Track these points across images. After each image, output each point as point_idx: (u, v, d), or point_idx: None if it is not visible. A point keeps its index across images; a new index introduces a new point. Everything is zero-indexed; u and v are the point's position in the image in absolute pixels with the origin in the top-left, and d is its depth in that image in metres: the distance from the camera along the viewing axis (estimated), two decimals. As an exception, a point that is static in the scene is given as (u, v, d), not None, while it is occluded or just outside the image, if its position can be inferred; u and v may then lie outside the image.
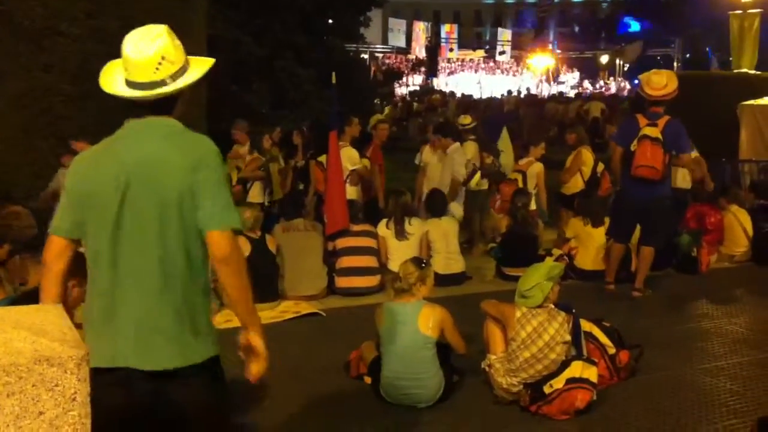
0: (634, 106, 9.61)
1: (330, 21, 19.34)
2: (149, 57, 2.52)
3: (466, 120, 9.60)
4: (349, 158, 8.25)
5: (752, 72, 16.63)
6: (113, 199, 2.50)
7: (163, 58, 2.52)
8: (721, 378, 5.24)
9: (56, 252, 2.62)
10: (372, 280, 7.18)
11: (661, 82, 6.87)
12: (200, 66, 2.65)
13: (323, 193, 7.83)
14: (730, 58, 18.31)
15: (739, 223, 8.54)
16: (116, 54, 2.62)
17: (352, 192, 8.22)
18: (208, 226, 2.51)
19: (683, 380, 5.22)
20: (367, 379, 5.02)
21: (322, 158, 8.19)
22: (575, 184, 9.17)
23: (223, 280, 2.58)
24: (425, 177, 8.92)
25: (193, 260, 2.55)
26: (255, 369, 2.67)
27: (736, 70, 16.89)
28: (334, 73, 7.48)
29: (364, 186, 8.80)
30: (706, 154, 11.79)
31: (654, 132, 6.73)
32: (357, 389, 5.02)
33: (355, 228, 7.43)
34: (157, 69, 2.52)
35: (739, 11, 17.41)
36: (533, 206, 8.58)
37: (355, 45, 23.19)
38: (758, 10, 17.37)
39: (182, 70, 2.58)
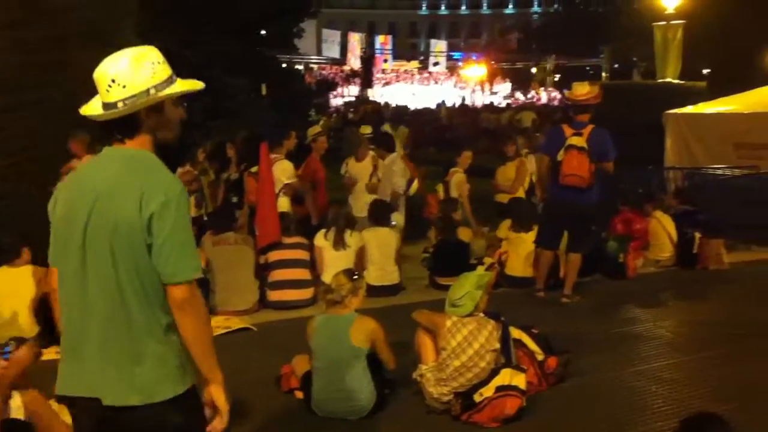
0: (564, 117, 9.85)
1: (263, 32, 19.26)
2: (101, 77, 2.51)
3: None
4: (284, 171, 8.17)
5: (676, 81, 17.19)
6: (79, 226, 2.49)
7: (113, 81, 2.48)
8: (648, 381, 5.36)
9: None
10: (305, 293, 7.14)
11: (583, 90, 7.06)
12: (170, 91, 2.57)
13: (254, 204, 7.75)
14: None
15: (663, 228, 8.78)
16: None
17: (285, 204, 8.15)
18: (163, 278, 2.47)
19: (611, 384, 5.33)
20: (299, 394, 4.98)
21: (256, 169, 8.11)
22: (519, 194, 9.31)
23: (180, 330, 2.52)
24: (352, 188, 8.86)
25: (149, 295, 2.49)
26: (217, 426, 2.62)
27: (660, 80, 17.44)
28: (264, 85, 7.44)
29: (298, 199, 8.74)
30: (635, 162, 12.17)
31: (580, 141, 6.89)
32: (288, 404, 4.97)
33: (288, 240, 7.38)
34: (107, 90, 2.49)
35: (663, 22, 18.01)
36: (459, 216, 8.72)
37: (289, 56, 23.12)
38: (681, 21, 17.97)
39: (143, 95, 2.50)
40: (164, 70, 2.56)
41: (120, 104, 2.48)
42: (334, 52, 55.71)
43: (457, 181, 9.38)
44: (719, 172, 12.53)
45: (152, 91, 2.50)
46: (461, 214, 8.80)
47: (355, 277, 4.95)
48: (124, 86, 2.48)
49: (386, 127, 9.73)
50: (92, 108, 2.57)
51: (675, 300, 7.74)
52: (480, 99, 41.14)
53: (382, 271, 7.59)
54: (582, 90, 7.06)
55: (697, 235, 8.78)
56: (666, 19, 17.82)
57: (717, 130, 13.45)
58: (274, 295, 7.15)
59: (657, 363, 5.73)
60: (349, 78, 44.33)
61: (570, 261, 7.35)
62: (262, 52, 18.24)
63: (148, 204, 2.43)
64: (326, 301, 4.89)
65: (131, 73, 2.49)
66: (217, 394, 2.60)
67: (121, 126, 2.54)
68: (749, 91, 15.89)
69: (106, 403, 2.45)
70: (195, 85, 2.65)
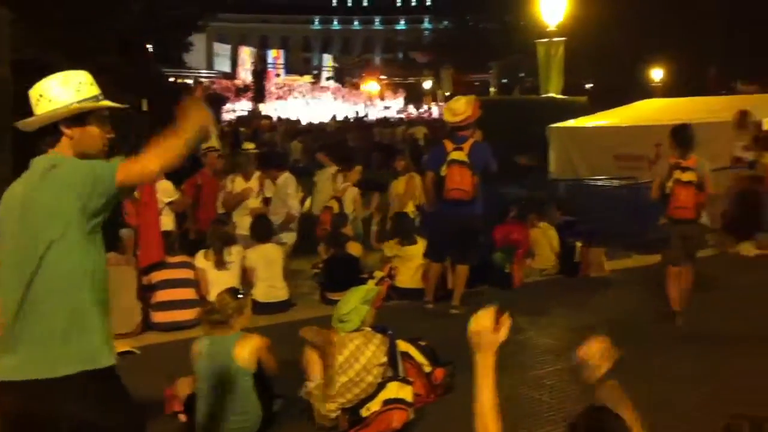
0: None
1: (149, 46, 18.82)
2: (32, 93, 2.86)
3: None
4: (164, 191, 7.96)
5: (559, 96, 17.80)
6: (10, 229, 2.80)
7: (41, 95, 2.83)
8: (532, 388, 5.50)
9: None
10: (191, 313, 6.93)
11: (459, 109, 7.24)
12: (89, 105, 2.87)
13: (136, 226, 7.49)
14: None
15: (546, 238, 9.06)
16: None
17: (168, 223, 7.94)
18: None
19: (498, 393, 5.41)
20: (182, 417, 4.84)
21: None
22: (408, 208, 9.40)
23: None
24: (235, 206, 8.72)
25: (66, 277, 2.72)
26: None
27: (544, 95, 18.02)
28: (145, 100, 7.25)
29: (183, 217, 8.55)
30: (521, 174, 12.56)
31: (461, 156, 7.06)
32: (172, 427, 4.82)
33: (172, 260, 7.20)
34: (36, 104, 2.84)
35: (545, 39, 18.59)
36: (350, 231, 8.76)
37: (176, 70, 22.67)
38: (562, 38, 18.62)
39: (64, 108, 2.81)
40: (90, 90, 2.89)
41: (44, 115, 2.82)
42: (226, 66, 55.05)
43: (352, 196, 9.39)
44: (600, 183, 13.07)
45: (74, 105, 2.82)
46: (351, 229, 8.83)
47: (240, 295, 4.86)
48: (50, 100, 2.82)
49: (247, 146, 9.61)
50: (24, 121, 2.87)
51: (558, 308, 7.98)
52: (374, 113, 41.50)
53: (270, 287, 7.51)
54: (459, 110, 7.22)
55: (579, 244, 9.11)
56: (548, 36, 18.42)
57: (597, 142, 14.06)
58: (158, 317, 6.95)
59: (541, 370, 5.89)
60: (240, 92, 43.81)
61: (457, 272, 7.48)
62: (146, 66, 17.80)
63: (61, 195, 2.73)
64: (209, 321, 4.77)
65: (58, 89, 2.83)
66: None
67: (47, 136, 2.85)
68: (627, 105, 16.73)
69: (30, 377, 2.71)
70: (115, 104, 2.97)
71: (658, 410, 4.99)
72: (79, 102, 2.83)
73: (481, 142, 7.23)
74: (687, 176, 6.79)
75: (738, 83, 21.48)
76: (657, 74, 42.81)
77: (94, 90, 2.89)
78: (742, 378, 5.64)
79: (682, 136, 6.97)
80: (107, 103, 2.93)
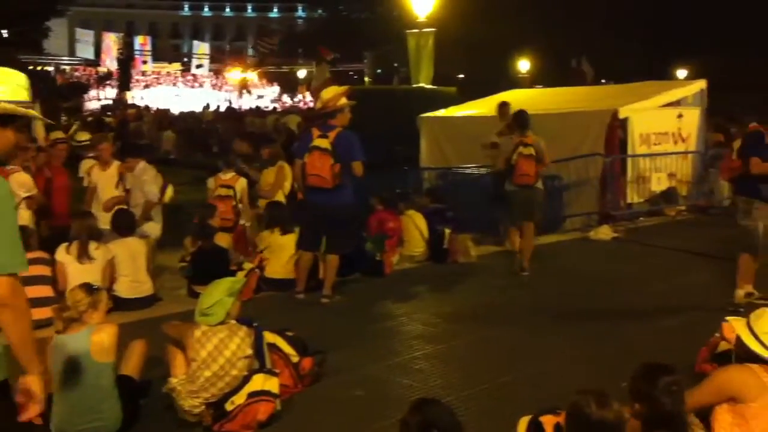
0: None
1: (4, 32, 17.74)
2: None
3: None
4: (22, 184, 7.52)
5: (429, 86, 18.12)
6: None
7: None
8: (400, 373, 5.57)
9: None
10: (46, 312, 6.56)
11: (324, 96, 7.27)
12: None
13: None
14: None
15: (415, 226, 9.21)
16: None
17: (26, 218, 7.51)
18: None
19: (366, 380, 5.46)
20: (38, 420, 4.59)
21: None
22: (278, 198, 9.26)
23: (1, 325, 2.67)
24: (95, 196, 8.39)
25: None
26: (32, 411, 2.76)
27: (415, 85, 18.30)
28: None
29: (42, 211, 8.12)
30: (393, 163, 12.72)
31: (324, 143, 7.06)
32: (28, 429, 4.57)
33: (28, 256, 6.79)
34: None
35: (416, 30, 18.88)
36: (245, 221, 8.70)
37: (35, 57, 21.50)
38: (432, 29, 18.95)
39: None
40: (24, 95, 2.85)
41: None
42: (89, 53, 52.66)
43: (243, 185, 9.15)
44: (468, 171, 13.39)
45: (4, 104, 2.75)
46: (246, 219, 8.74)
47: (94, 289, 4.67)
48: None
49: (81, 136, 9.26)
50: None
51: (427, 293, 8.14)
52: (247, 102, 40.84)
53: (134, 282, 7.25)
54: (327, 95, 7.24)
55: (447, 230, 9.31)
56: (418, 27, 18.71)
57: (466, 131, 14.34)
58: (12, 316, 6.56)
59: (409, 355, 5.98)
60: (103, 80, 42.02)
61: (328, 262, 7.47)
62: (2, 52, 16.81)
63: None
64: (63, 319, 4.55)
65: None
66: (35, 383, 2.76)
67: None
68: (495, 95, 17.17)
69: None
70: (21, 110, 2.84)
71: (534, 386, 5.19)
72: (9, 102, 2.77)
73: (348, 132, 7.24)
74: (527, 150, 8.55)
75: (582, 62, 22.68)
76: (524, 66, 44.34)
77: (26, 96, 2.86)
78: (604, 355, 5.92)
79: (521, 119, 8.90)
80: (35, 113, 2.94)
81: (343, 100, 7.32)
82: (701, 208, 13.50)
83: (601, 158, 12.08)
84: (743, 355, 3.67)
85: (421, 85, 17.97)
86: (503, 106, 10.80)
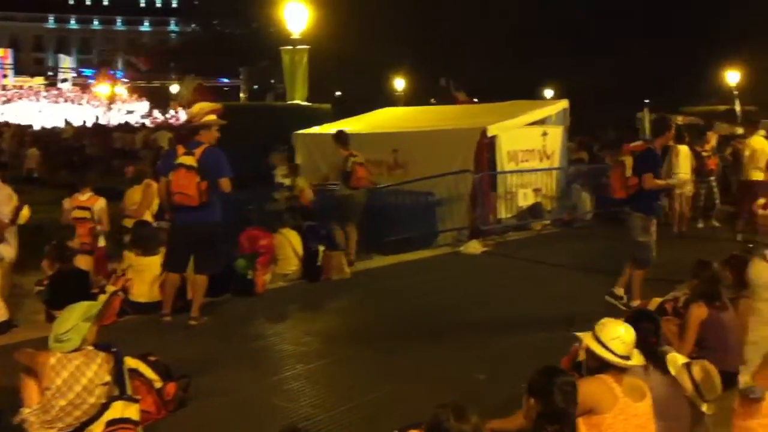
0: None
1: None
2: None
3: None
4: None
5: (304, 103, 18.06)
6: None
7: None
8: (269, 394, 5.47)
9: None
10: None
11: (192, 112, 7.12)
12: None
13: None
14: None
15: (289, 243, 9.11)
16: None
17: None
18: None
19: (234, 403, 5.33)
20: None
21: None
22: (145, 218, 8.94)
23: None
24: None
25: None
26: None
27: (290, 101, 18.19)
28: None
29: None
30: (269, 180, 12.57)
31: (189, 160, 6.89)
32: None
33: None
34: None
35: (290, 47, 18.78)
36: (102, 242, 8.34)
37: None
38: (306, 46, 18.92)
39: None
40: None
41: None
42: (-59, 66, 49.61)
43: (100, 207, 8.77)
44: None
45: None
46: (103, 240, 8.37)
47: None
48: None
49: None
50: None
51: (300, 312, 8.07)
52: (115, 118, 39.41)
53: (-15, 308, 6.81)
54: (194, 110, 7.09)
55: (321, 248, 9.27)
56: (293, 44, 18.63)
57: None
58: None
59: (278, 375, 5.89)
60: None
61: (196, 282, 7.27)
62: None
63: None
64: None
65: None
66: None
67: None
68: (370, 113, 17.35)
69: None
70: None
71: (403, 403, 5.20)
72: None
73: (215, 148, 7.09)
74: (359, 159, 10.39)
75: (451, 86, 23.55)
76: (400, 84, 45.07)
77: None
78: (475, 368, 6.02)
79: (343, 137, 10.75)
80: None
81: (211, 117, 7.17)
82: (565, 222, 14.08)
83: (471, 175, 12.39)
84: (594, 365, 3.79)
85: (296, 101, 17.87)
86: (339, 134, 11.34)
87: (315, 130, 15.36)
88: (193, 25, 58.89)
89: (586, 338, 3.84)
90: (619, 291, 7.83)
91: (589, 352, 3.81)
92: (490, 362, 6.06)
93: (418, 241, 11.93)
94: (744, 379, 2.89)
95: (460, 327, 7.27)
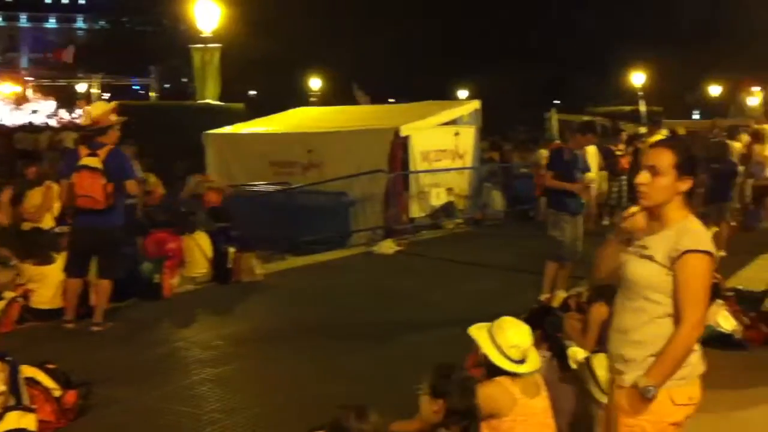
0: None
1: None
2: None
3: None
4: None
5: (215, 102, 17.81)
6: None
7: None
8: (173, 401, 5.34)
9: None
10: None
11: (92, 113, 6.91)
12: None
13: None
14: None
15: (198, 245, 8.93)
16: None
17: None
18: None
19: (136, 410, 5.19)
20: None
21: None
22: (46, 221, 8.62)
23: None
24: None
25: None
26: None
27: (200, 101, 17.91)
28: None
29: None
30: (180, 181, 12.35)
31: (94, 162, 6.69)
32: None
33: None
34: None
35: (201, 45, 18.50)
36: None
37: None
38: (218, 45, 18.66)
39: None
40: None
41: None
42: None
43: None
44: (256, 188, 13.28)
45: None
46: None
47: None
48: None
49: None
50: None
51: (209, 315, 7.91)
52: (20, 118, 37.77)
53: None
54: (97, 111, 6.87)
55: (232, 249, 9.13)
56: (204, 42, 18.35)
57: (254, 149, 14.27)
58: None
59: (185, 381, 5.75)
60: None
61: (99, 287, 7.05)
62: None
63: None
64: None
65: None
66: None
67: None
68: (284, 112, 17.25)
69: None
70: None
71: (315, 407, 5.16)
72: None
73: (119, 149, 6.90)
74: None
75: (355, 89, 23.99)
76: (315, 84, 44.94)
77: None
78: (387, 368, 6.02)
79: None
80: None
81: (114, 117, 6.97)
82: (477, 221, 14.31)
83: (385, 175, 12.46)
84: (491, 368, 3.74)
85: (207, 101, 17.60)
86: None
87: (227, 129, 15.17)
88: (101, 22, 57.28)
89: (483, 341, 3.76)
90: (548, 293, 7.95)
91: (486, 358, 3.76)
92: (400, 361, 6.08)
93: (332, 241, 11.92)
94: (630, 377, 2.96)
95: (372, 327, 7.28)
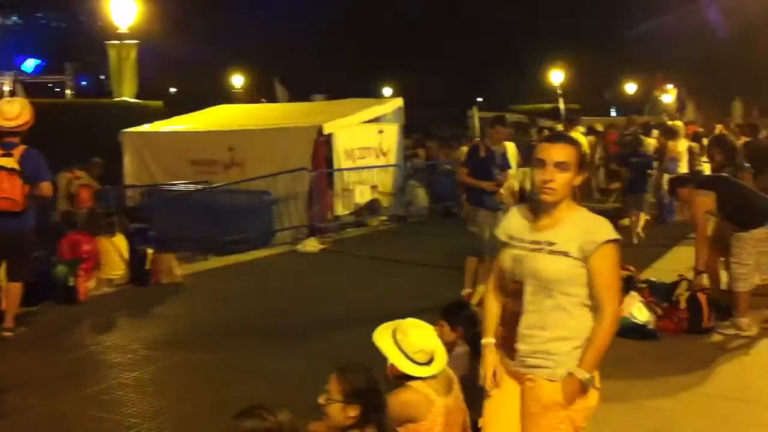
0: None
1: None
2: None
3: None
4: None
5: (133, 100, 17.35)
6: None
7: None
8: (86, 406, 5.16)
9: None
10: None
11: (13, 112, 6.63)
12: None
13: None
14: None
15: (114, 247, 8.69)
16: None
17: None
18: None
19: (52, 415, 5.01)
20: None
21: None
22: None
23: None
24: None
25: None
26: None
27: (117, 99, 17.42)
28: None
29: None
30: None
31: (9, 162, 6.45)
32: None
33: None
34: None
35: (116, 41, 17.99)
36: None
37: None
38: (134, 41, 18.19)
39: None
40: None
41: None
42: None
43: None
44: (176, 188, 13.02)
45: None
46: None
47: None
48: None
49: None
50: None
51: (126, 318, 7.69)
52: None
53: None
54: (12, 113, 6.59)
55: (150, 251, 8.92)
56: (120, 39, 17.86)
57: (173, 147, 13.96)
58: None
59: (101, 386, 5.57)
60: None
61: (9, 291, 6.78)
62: None
63: None
64: None
65: None
66: None
67: None
68: (205, 110, 16.93)
69: None
70: None
71: (233, 409, 5.05)
72: None
73: (33, 150, 6.64)
74: None
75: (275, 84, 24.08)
76: (238, 81, 44.36)
77: None
78: (308, 368, 5.96)
79: None
80: None
81: (29, 115, 6.71)
82: (401, 218, 14.38)
83: (308, 173, 12.38)
84: (402, 374, 3.61)
85: (124, 98, 17.14)
86: None
87: (145, 128, 14.81)
88: (13, 18, 55.25)
89: (391, 355, 3.61)
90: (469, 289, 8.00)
91: (392, 365, 3.62)
92: (323, 361, 6.01)
93: (255, 240, 11.77)
94: (561, 371, 2.98)
95: (294, 326, 7.21)
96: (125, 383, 5.65)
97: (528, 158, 13.74)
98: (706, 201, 6.78)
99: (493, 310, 3.31)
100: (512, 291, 3.22)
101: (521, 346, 3.10)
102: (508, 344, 3.19)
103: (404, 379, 3.63)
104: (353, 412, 3.18)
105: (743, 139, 12.37)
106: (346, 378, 3.23)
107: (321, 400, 3.25)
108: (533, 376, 3.06)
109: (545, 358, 3.02)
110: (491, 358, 3.24)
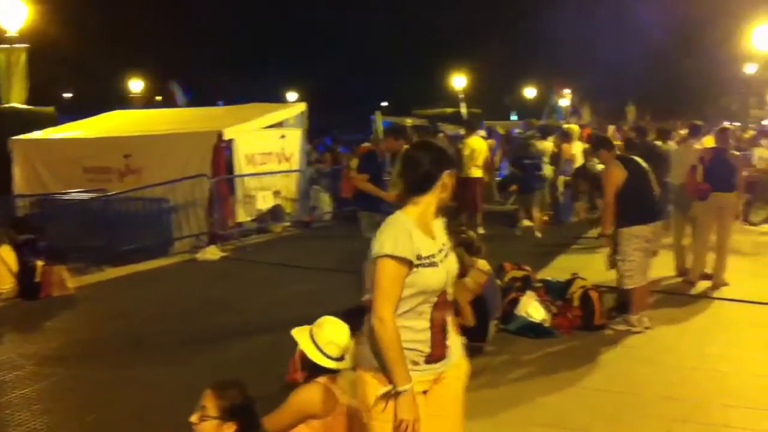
0: None
1: None
2: None
3: None
4: None
5: (22, 106, 16.63)
6: None
7: None
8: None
9: None
10: None
11: None
12: None
13: None
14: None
15: (2, 260, 8.30)
16: None
17: None
18: None
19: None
20: None
21: None
22: None
23: None
24: None
25: None
26: None
27: (6, 105, 16.65)
28: None
29: None
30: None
31: None
32: None
33: None
34: None
35: (6, 45, 17.22)
36: None
37: None
38: (24, 45, 17.46)
39: None
40: None
41: None
42: None
43: None
44: (69, 197, 12.53)
45: None
46: None
47: None
48: None
49: None
50: None
51: (14, 333, 7.37)
52: None
53: None
54: None
55: (40, 263, 8.56)
56: (9, 42, 17.08)
57: (66, 155, 13.44)
58: None
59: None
60: None
61: None
62: None
63: None
64: None
65: None
66: None
67: None
68: (99, 116, 16.39)
69: None
70: None
71: (136, 421, 4.88)
72: None
73: None
74: None
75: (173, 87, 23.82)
76: (136, 86, 43.23)
77: None
78: (205, 379, 5.82)
79: None
80: None
81: None
82: (305, 223, 14.29)
83: (207, 179, 12.14)
84: (311, 367, 3.73)
85: (12, 104, 16.39)
86: None
87: (36, 135, 14.23)
88: None
89: (302, 340, 3.79)
90: None
91: (304, 357, 3.74)
92: (221, 370, 5.91)
93: (153, 249, 11.45)
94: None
95: (192, 337, 7.04)
96: (13, 401, 5.41)
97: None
98: (618, 174, 6.97)
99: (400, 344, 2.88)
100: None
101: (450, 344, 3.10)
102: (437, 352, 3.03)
103: (313, 375, 3.71)
104: (229, 430, 3.12)
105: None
106: (223, 394, 3.17)
107: (194, 418, 3.17)
108: (447, 369, 3.07)
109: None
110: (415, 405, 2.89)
